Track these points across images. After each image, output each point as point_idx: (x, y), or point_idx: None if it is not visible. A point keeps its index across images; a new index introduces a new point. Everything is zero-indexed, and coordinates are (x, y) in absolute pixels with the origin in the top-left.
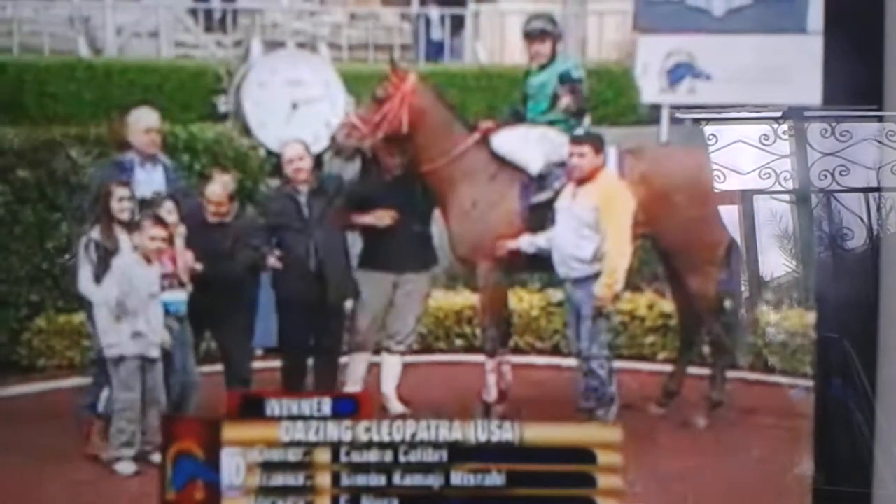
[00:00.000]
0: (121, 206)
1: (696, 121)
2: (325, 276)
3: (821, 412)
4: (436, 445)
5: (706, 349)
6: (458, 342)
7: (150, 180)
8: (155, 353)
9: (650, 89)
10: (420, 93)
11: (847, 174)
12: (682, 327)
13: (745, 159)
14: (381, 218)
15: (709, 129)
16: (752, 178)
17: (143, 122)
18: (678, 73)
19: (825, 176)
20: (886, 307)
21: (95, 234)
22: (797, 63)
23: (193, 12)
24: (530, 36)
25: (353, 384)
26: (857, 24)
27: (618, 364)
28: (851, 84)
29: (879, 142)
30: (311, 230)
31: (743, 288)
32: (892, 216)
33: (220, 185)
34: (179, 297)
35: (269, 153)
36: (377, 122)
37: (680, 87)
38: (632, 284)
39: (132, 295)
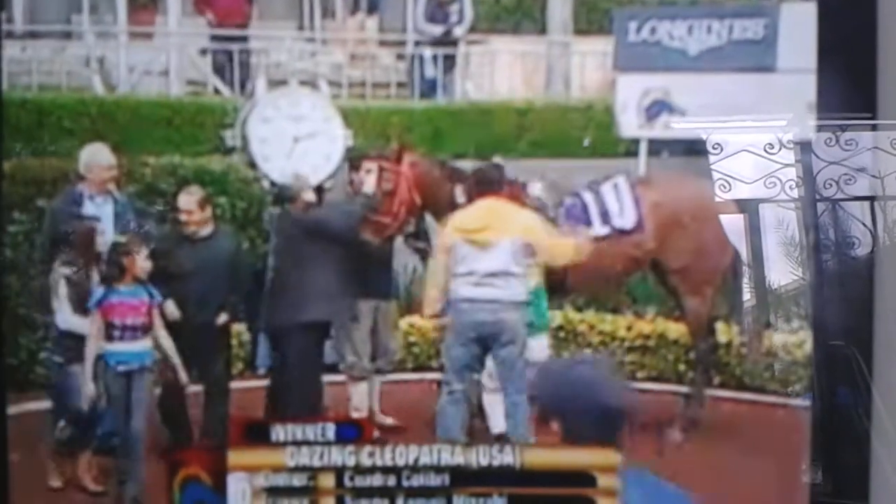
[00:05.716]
0: (103, 239)
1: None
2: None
3: (824, 422)
4: (438, 469)
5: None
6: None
7: (99, 213)
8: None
9: (629, 124)
10: (418, 164)
11: (852, 183)
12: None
13: (750, 168)
14: None
15: (713, 139)
16: (757, 187)
17: (99, 157)
18: (655, 109)
19: (830, 185)
20: (881, 313)
21: (64, 269)
22: (767, 99)
23: (203, 52)
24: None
25: (357, 411)
26: (850, 32)
27: None
28: (846, 94)
29: (884, 150)
30: None
31: (747, 298)
32: None
33: (187, 195)
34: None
35: (273, 184)
36: (396, 212)
37: (657, 123)
38: (613, 307)
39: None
